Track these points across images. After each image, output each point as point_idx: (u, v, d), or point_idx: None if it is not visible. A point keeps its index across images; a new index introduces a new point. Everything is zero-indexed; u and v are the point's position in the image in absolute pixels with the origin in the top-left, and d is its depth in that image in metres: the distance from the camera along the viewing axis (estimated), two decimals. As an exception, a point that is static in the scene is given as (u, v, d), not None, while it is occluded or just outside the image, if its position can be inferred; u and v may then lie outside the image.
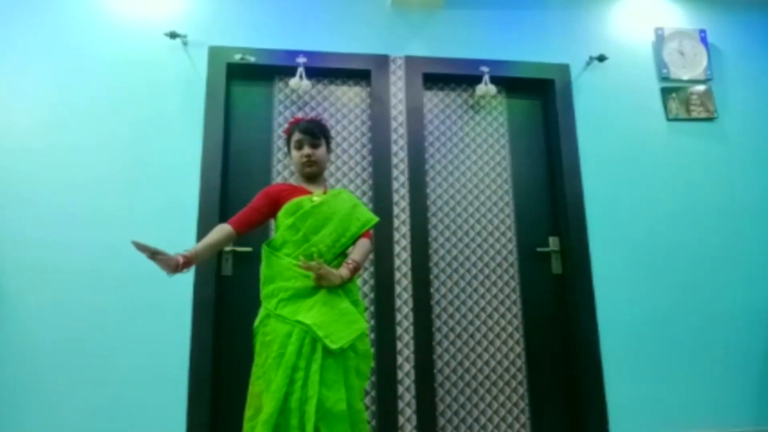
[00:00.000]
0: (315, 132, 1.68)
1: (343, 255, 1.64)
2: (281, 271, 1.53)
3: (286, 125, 1.84)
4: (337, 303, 1.52)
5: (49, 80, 2.22)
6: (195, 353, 2.06)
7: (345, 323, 1.49)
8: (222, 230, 1.57)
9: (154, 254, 1.40)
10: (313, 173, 1.69)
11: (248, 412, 1.50)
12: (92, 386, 2.00)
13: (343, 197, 1.67)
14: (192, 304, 2.10)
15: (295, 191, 1.65)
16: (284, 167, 2.36)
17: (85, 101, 2.22)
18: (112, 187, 2.16)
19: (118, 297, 2.07)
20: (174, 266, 1.43)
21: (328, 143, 1.75)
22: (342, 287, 1.56)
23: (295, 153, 1.69)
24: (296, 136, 1.68)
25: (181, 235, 2.14)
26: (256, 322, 1.58)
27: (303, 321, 1.44)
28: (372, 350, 1.72)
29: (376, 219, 1.70)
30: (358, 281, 1.71)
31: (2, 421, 1.93)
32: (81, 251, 2.09)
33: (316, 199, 1.60)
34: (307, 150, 1.66)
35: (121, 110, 2.24)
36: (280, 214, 1.60)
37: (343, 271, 1.56)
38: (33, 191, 2.11)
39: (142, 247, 1.37)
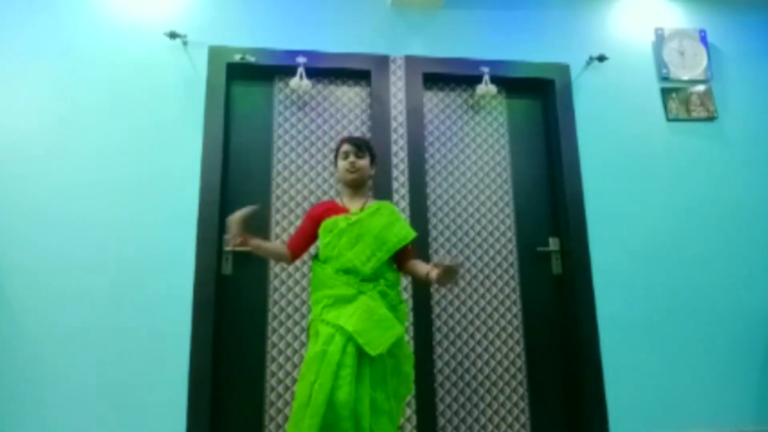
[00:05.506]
0: (360, 144, 1.82)
1: (389, 267, 1.73)
2: (325, 280, 1.67)
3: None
4: (376, 310, 1.61)
5: (47, 81, 2.22)
6: (195, 353, 2.06)
7: (382, 329, 1.59)
8: (281, 246, 1.80)
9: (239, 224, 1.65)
10: (355, 180, 1.79)
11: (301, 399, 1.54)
12: (92, 386, 2.00)
13: (381, 213, 1.76)
14: (192, 304, 2.10)
15: (336, 210, 1.77)
16: (284, 167, 2.36)
17: (85, 102, 2.22)
18: (111, 188, 2.16)
19: (118, 297, 2.07)
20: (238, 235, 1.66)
21: (372, 160, 1.86)
22: (380, 293, 1.66)
23: (341, 162, 1.81)
24: (344, 147, 1.82)
25: (181, 236, 2.15)
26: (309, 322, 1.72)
27: (344, 327, 1.54)
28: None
29: (413, 234, 1.78)
30: (400, 286, 1.81)
31: (2, 422, 1.93)
32: (80, 252, 2.09)
33: (352, 218, 1.72)
34: (351, 158, 1.79)
35: (121, 110, 2.24)
36: (320, 232, 1.74)
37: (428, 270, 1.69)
38: (33, 193, 2.11)
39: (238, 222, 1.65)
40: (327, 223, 1.73)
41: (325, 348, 1.52)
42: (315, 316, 1.65)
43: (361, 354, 1.54)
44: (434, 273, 1.63)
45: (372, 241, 1.69)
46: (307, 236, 1.79)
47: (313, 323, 1.66)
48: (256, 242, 1.71)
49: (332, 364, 1.49)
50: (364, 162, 1.81)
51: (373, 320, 1.58)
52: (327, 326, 1.58)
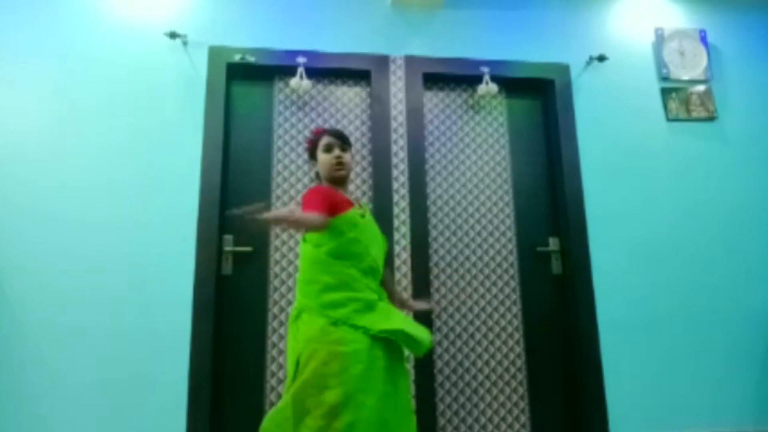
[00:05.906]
0: (344, 137, 1.71)
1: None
2: (348, 281, 1.51)
3: (308, 134, 1.85)
4: (399, 313, 1.59)
5: (47, 81, 2.21)
6: (195, 353, 2.06)
7: (420, 331, 1.53)
8: (319, 216, 1.47)
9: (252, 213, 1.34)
10: (342, 177, 1.68)
11: (319, 422, 1.38)
12: (92, 386, 2.00)
13: (370, 215, 1.73)
14: (192, 304, 2.10)
15: (344, 200, 1.61)
16: (284, 167, 2.36)
17: (85, 102, 2.22)
18: (111, 188, 2.16)
19: (118, 297, 2.07)
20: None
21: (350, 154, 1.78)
22: (387, 298, 1.64)
23: (324, 156, 1.67)
24: (325, 140, 1.68)
25: (181, 236, 2.15)
26: (316, 330, 1.48)
27: (397, 328, 1.45)
28: None
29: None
30: None
31: (2, 423, 1.93)
32: (80, 252, 2.09)
33: (365, 214, 1.65)
34: (337, 152, 1.66)
35: (121, 111, 2.23)
36: (342, 223, 1.54)
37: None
38: (33, 193, 2.11)
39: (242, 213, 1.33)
40: (349, 215, 1.56)
41: (371, 365, 1.43)
42: (334, 321, 1.46)
43: (399, 363, 1.51)
44: (413, 304, 1.85)
45: (381, 241, 1.65)
46: (329, 210, 1.52)
47: (327, 332, 1.45)
48: (294, 212, 1.41)
49: (382, 385, 1.43)
50: (349, 156, 1.70)
51: (409, 322, 1.55)
52: (364, 335, 1.45)
